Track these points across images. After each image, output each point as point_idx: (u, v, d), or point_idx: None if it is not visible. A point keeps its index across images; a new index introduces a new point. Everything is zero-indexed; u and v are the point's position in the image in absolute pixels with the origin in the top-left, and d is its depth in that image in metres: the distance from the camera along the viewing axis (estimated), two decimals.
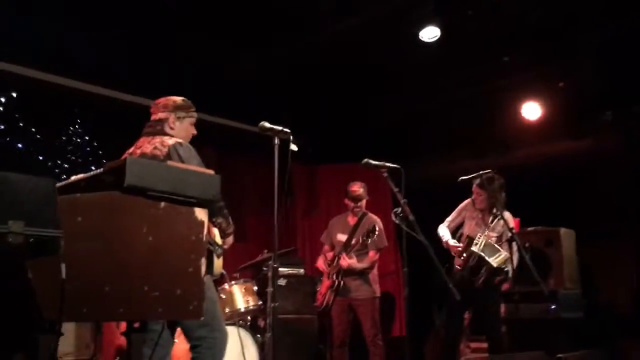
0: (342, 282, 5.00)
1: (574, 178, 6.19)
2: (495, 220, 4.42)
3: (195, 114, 3.17)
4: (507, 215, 4.49)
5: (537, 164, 6.40)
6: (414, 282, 3.62)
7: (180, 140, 2.98)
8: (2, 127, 5.09)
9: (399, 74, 5.95)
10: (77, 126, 5.55)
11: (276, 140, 3.05)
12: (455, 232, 4.63)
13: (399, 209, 3.49)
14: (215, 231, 3.05)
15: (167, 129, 3.05)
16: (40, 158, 5.25)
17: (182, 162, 2.84)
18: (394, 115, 6.81)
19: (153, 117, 3.10)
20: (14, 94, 5.17)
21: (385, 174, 3.57)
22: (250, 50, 5.43)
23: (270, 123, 3.07)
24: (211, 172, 2.22)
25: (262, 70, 5.72)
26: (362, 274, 5.06)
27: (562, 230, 4.96)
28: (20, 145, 5.17)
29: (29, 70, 5.15)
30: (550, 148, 6.28)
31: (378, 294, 5.14)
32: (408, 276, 3.57)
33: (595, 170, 6.15)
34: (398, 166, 3.55)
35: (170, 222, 2.07)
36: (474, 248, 4.28)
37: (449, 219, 4.74)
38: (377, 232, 4.77)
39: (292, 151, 3.10)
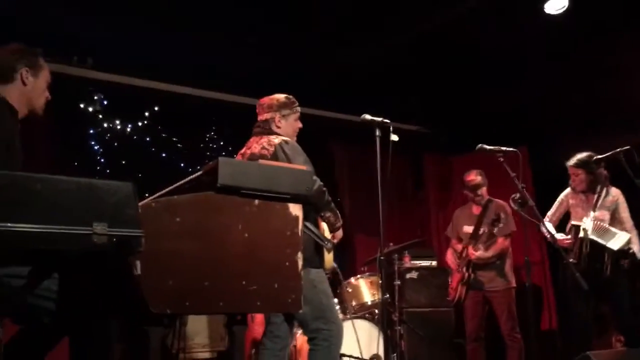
0: (472, 275, 4.83)
1: None
2: (601, 198, 4.00)
3: (299, 109, 3.25)
4: (614, 190, 4.09)
5: None
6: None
7: (286, 139, 3.08)
8: (148, 138, 5.62)
9: (532, 53, 5.59)
10: (212, 133, 5.96)
11: (377, 132, 3.03)
12: (561, 226, 4.24)
13: (517, 195, 3.29)
14: (324, 226, 3.10)
15: (274, 128, 3.17)
16: (182, 165, 5.70)
17: (289, 159, 2.94)
18: (520, 98, 6.41)
19: (260, 117, 3.23)
20: (157, 108, 5.68)
21: (502, 159, 3.39)
22: (370, 40, 5.39)
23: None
24: (303, 167, 2.26)
25: (388, 62, 5.66)
26: (495, 264, 4.84)
27: None
28: (164, 155, 5.66)
29: (169, 85, 5.62)
30: None
31: (513, 284, 4.89)
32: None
33: None
34: (515, 150, 3.35)
35: (265, 219, 2.14)
36: (582, 234, 3.90)
37: (550, 212, 4.37)
38: (502, 220, 4.54)
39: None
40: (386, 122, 3.04)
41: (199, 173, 2.21)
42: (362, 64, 5.58)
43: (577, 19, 4.84)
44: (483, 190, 5.01)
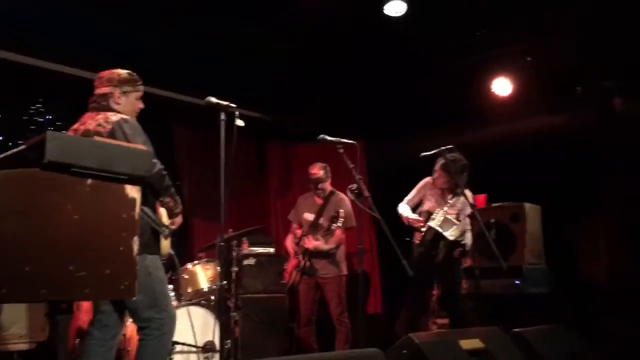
0: (308, 263, 4.99)
1: (546, 153, 6.17)
2: (455, 198, 4.41)
3: (142, 88, 3.08)
4: (468, 192, 4.48)
5: (509, 139, 6.39)
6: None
7: (125, 117, 2.90)
8: None
9: (374, 52, 5.87)
10: (39, 105, 5.45)
11: (222, 116, 2.99)
12: (414, 211, 4.60)
13: (355, 186, 3.45)
14: (163, 211, 2.99)
15: (113, 105, 2.97)
16: (1, 138, 5.14)
17: (127, 139, 2.77)
18: (370, 93, 6.74)
19: (97, 91, 3.00)
20: None
21: (341, 150, 3.52)
22: (220, 25, 5.28)
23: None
24: (142, 147, 2.15)
25: (240, 47, 5.59)
26: (329, 253, 5.04)
27: (527, 205, 4.94)
28: None
29: None
30: (522, 124, 6.26)
31: (344, 272, 5.13)
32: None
33: (567, 146, 6.14)
34: (354, 142, 3.50)
35: (99, 200, 2.01)
36: (431, 223, 4.28)
37: (408, 197, 4.72)
38: (341, 217, 4.73)
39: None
40: (231, 107, 2.99)
41: (20, 147, 2.01)
42: (209, 47, 5.45)
43: (416, 23, 5.17)
44: (325, 185, 5.18)
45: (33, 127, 5.38)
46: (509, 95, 6.11)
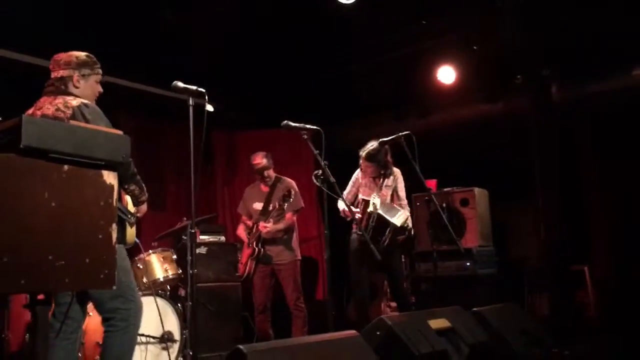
0: (262, 250, 4.98)
1: (487, 140, 6.39)
2: (385, 179, 4.51)
3: (100, 71, 2.95)
4: (396, 170, 4.59)
5: (453, 126, 6.56)
6: (337, 245, 3.63)
7: (85, 101, 2.78)
8: None
9: (318, 37, 5.88)
10: None
11: (191, 101, 2.92)
12: (353, 204, 4.64)
13: (320, 172, 3.46)
14: (128, 199, 2.90)
15: (71, 88, 2.83)
16: None
17: (89, 124, 2.66)
18: (313, 79, 6.75)
19: (54, 74, 2.85)
20: None
21: (306, 137, 3.52)
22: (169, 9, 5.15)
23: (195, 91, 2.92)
24: (119, 132, 2.08)
25: (180, 32, 5.45)
26: (282, 239, 5.05)
27: (477, 190, 5.13)
28: None
29: None
30: (466, 111, 6.45)
31: (299, 257, 5.17)
32: (330, 239, 3.57)
33: (507, 132, 6.38)
34: (318, 128, 3.51)
35: (76, 187, 1.93)
36: (371, 209, 4.32)
37: (345, 192, 4.77)
38: (292, 196, 4.75)
39: (210, 113, 2.98)
40: (201, 91, 2.92)
41: None
42: (155, 32, 5.29)
43: (365, 11, 5.21)
44: (269, 172, 5.19)
45: None
46: (452, 83, 6.27)
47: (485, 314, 3.46)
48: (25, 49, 5.13)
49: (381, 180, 4.53)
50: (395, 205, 4.45)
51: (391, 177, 4.50)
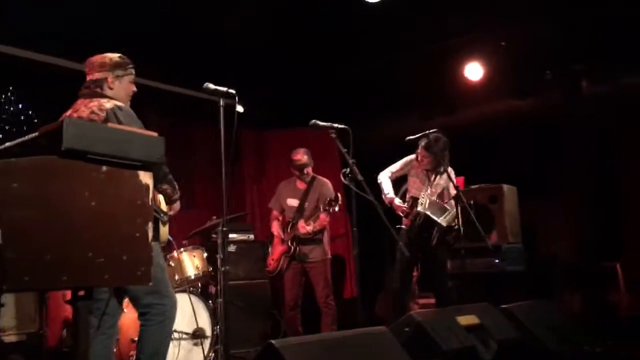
0: (297, 248, 5.03)
1: (516, 136, 6.34)
2: (438, 176, 4.49)
3: (133, 71, 3.04)
4: (450, 170, 4.56)
5: (481, 123, 6.53)
6: (364, 242, 3.66)
7: (119, 104, 2.87)
8: None
9: (345, 37, 5.90)
10: (9, 94, 5.28)
11: (221, 102, 2.98)
12: (396, 185, 4.63)
13: (348, 170, 3.49)
14: (161, 198, 2.98)
15: (106, 90, 2.92)
16: None
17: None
18: (340, 78, 6.77)
19: (89, 77, 2.94)
20: None
21: (333, 135, 3.56)
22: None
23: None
24: (154, 134, 2.15)
25: (209, 34, 5.53)
26: (316, 238, 5.09)
27: (505, 187, 5.10)
28: None
29: None
30: (494, 107, 6.40)
31: (329, 255, 5.20)
32: (358, 236, 3.59)
33: (536, 128, 6.32)
34: (346, 127, 3.54)
35: (114, 187, 2.01)
36: (419, 208, 4.33)
37: (392, 169, 4.73)
38: (339, 203, 4.76)
39: (239, 113, 3.04)
40: (231, 92, 2.99)
41: (33, 135, 1.98)
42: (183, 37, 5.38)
43: (392, 10, 5.21)
44: (309, 169, 5.22)
45: (4, 115, 5.22)
46: (480, 79, 6.23)
47: (514, 311, 3.46)
48: (60, 53, 5.27)
49: (434, 176, 4.52)
50: (444, 204, 4.44)
51: (444, 176, 4.47)
